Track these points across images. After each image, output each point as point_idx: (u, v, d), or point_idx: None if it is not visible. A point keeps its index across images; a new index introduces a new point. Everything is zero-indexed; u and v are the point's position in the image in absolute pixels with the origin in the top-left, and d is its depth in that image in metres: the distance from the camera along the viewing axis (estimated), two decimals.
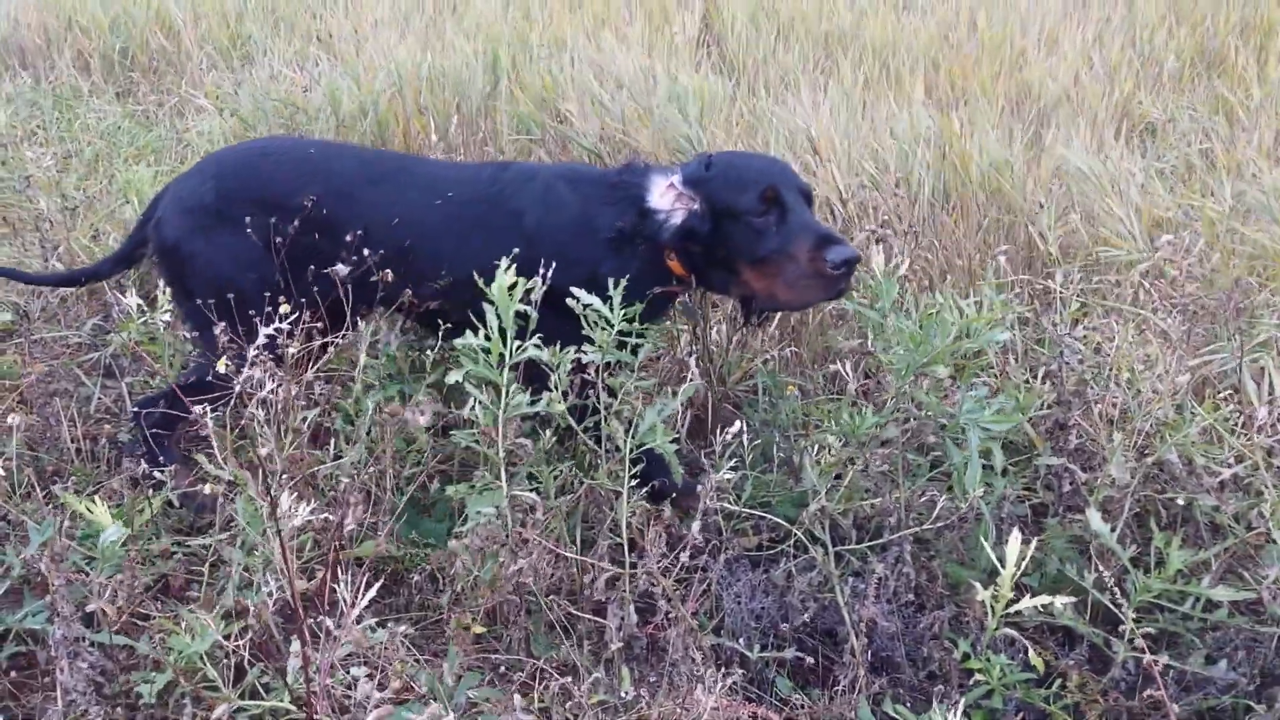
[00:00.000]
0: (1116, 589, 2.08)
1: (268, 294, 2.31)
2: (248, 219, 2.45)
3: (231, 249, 2.52)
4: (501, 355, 2.09)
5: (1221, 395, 2.72)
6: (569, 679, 1.90)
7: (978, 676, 1.97)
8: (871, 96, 4.52)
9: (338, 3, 6.63)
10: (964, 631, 2.10)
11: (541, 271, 2.16)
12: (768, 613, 2.18)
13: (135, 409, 2.60)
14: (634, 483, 2.15)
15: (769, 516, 2.29)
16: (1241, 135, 4.10)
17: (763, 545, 2.34)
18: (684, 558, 1.98)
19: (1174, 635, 2.10)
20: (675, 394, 2.21)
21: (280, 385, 2.23)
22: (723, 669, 1.88)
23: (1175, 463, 2.27)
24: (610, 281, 2.17)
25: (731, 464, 2.13)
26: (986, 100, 4.28)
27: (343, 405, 2.35)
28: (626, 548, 2.11)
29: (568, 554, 2.13)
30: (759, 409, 2.83)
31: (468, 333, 2.13)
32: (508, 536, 2.10)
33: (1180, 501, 2.26)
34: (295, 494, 2.13)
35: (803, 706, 1.94)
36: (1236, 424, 2.42)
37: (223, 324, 2.18)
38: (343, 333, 2.45)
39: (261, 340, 2.23)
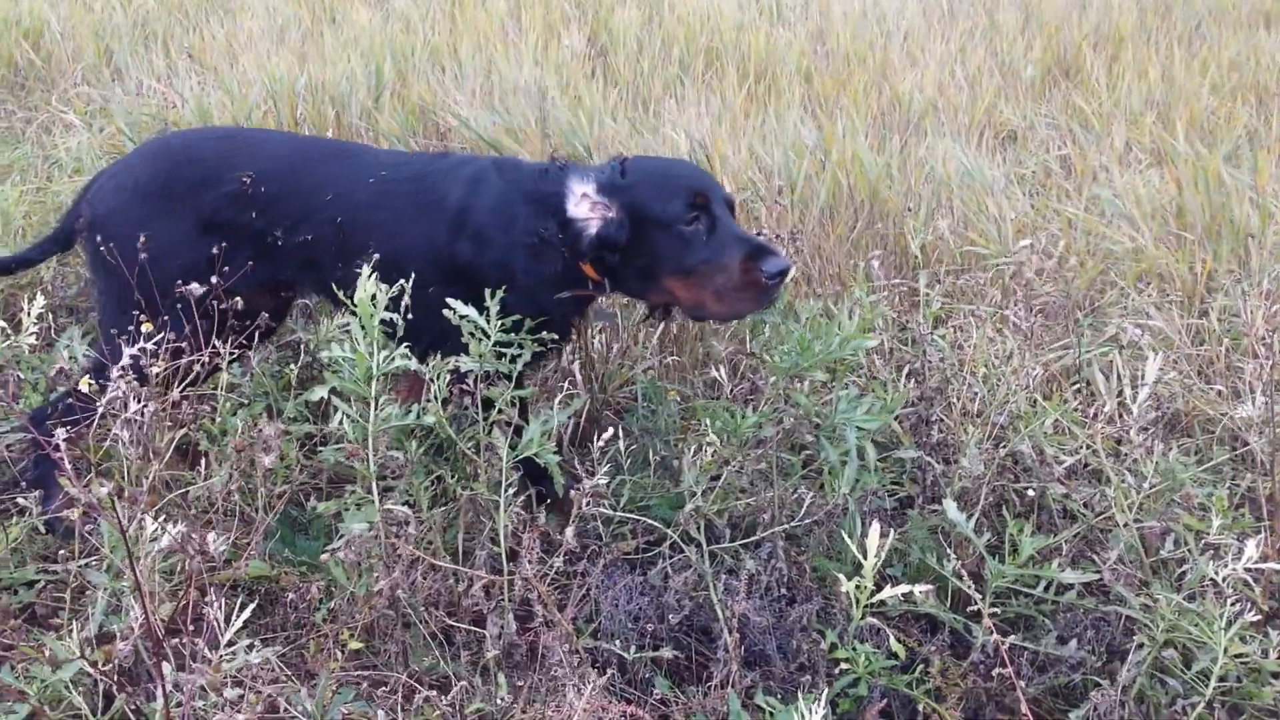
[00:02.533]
0: (974, 576, 2.19)
1: (194, 280, 2.29)
2: (180, 199, 2.46)
3: (162, 230, 2.46)
4: (369, 368, 2.09)
5: (1074, 389, 2.88)
6: (436, 690, 1.90)
7: (844, 665, 2.04)
8: (753, 107, 4.64)
9: (211, 17, 6.48)
10: (831, 623, 2.17)
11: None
12: (645, 614, 2.22)
13: (27, 423, 2.48)
14: (512, 491, 2.17)
15: (646, 520, 2.33)
16: (1094, 141, 4.32)
17: (640, 548, 2.38)
18: (559, 563, 1.99)
19: (1029, 618, 2.20)
20: (556, 403, 2.24)
21: (144, 405, 2.19)
22: (597, 671, 1.90)
23: (1028, 453, 2.39)
24: (519, 283, 2.27)
25: (607, 469, 2.16)
26: (856, 110, 4.42)
27: (207, 425, 2.31)
28: (505, 557, 2.13)
29: (442, 564, 2.12)
30: (638, 416, 2.87)
31: (334, 345, 2.13)
32: (382, 551, 2.10)
33: (1032, 491, 2.38)
34: (163, 516, 2.11)
35: (678, 704, 1.97)
36: (1086, 416, 2.55)
37: (133, 314, 2.26)
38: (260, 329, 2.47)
39: (126, 360, 2.20)
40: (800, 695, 1.84)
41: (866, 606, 2.10)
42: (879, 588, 1.94)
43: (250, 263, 2.47)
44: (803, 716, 1.61)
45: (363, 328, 2.09)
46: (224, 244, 2.41)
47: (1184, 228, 3.42)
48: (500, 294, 2.17)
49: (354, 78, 4.53)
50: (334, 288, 2.38)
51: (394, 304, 2.20)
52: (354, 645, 2.11)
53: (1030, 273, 2.97)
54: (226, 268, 2.39)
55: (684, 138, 4.07)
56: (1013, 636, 2.12)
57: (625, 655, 2.07)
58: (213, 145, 2.64)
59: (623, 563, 2.33)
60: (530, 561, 1.95)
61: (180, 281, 2.30)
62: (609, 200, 2.35)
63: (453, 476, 2.35)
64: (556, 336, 2.31)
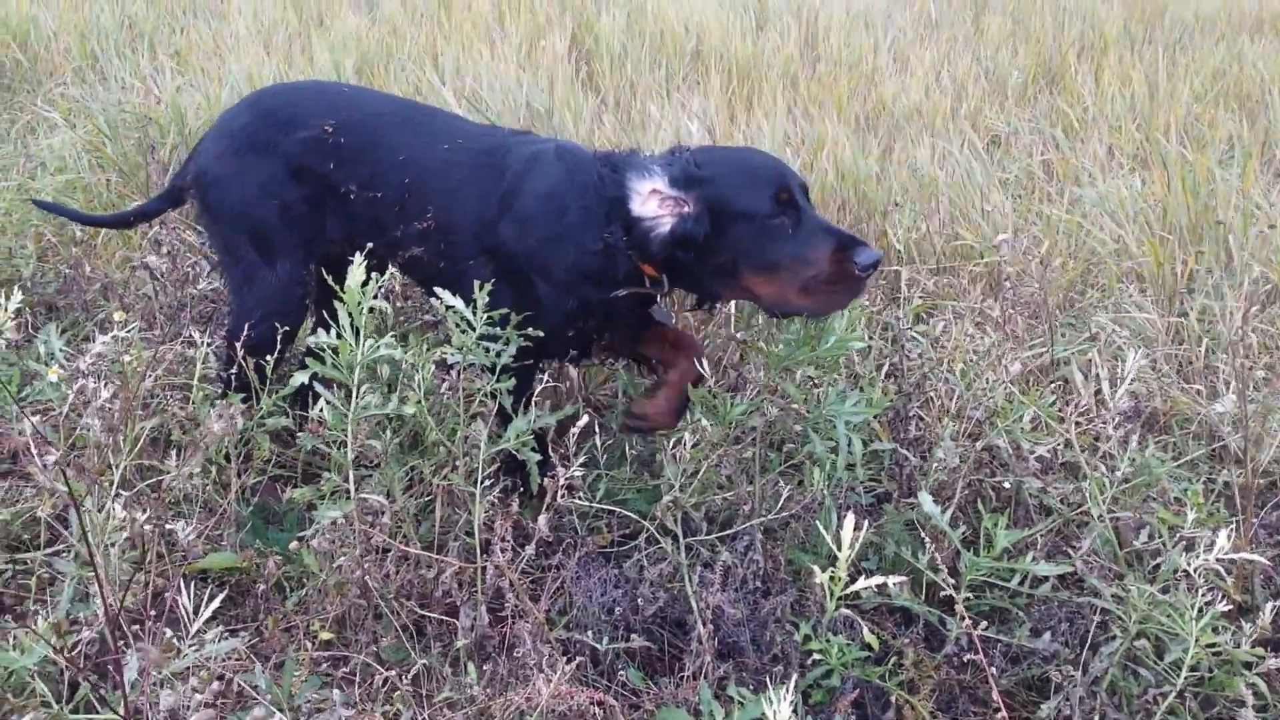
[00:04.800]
0: (949, 570, 2.18)
1: (291, 226, 2.48)
2: (270, 144, 2.51)
3: (258, 174, 2.52)
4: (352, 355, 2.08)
5: (1051, 385, 2.88)
6: (406, 680, 1.88)
7: (817, 656, 2.03)
8: (741, 111, 4.65)
9: (199, 19, 6.48)
10: (805, 615, 2.16)
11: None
12: (619, 606, 2.21)
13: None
14: (489, 483, 2.16)
15: (621, 512, 2.32)
16: (1078, 145, 4.34)
17: (615, 542, 2.37)
18: (531, 552, 1.98)
19: (1003, 611, 2.19)
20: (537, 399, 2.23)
21: (115, 395, 2.18)
22: (568, 660, 1.89)
23: (1004, 447, 2.39)
24: (556, 277, 2.29)
25: (582, 461, 2.15)
26: (842, 114, 4.44)
27: (180, 415, 2.29)
28: (479, 548, 2.11)
29: (414, 552, 2.11)
30: (618, 411, 2.86)
31: (319, 331, 2.11)
32: (355, 540, 2.08)
33: (1008, 485, 2.38)
34: (134, 505, 2.10)
35: (649, 694, 1.96)
36: (1064, 411, 2.55)
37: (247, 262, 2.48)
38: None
39: (98, 348, 2.20)
40: (771, 686, 1.83)
41: (840, 599, 2.09)
42: (853, 580, 1.94)
43: (330, 219, 2.53)
44: (772, 705, 1.60)
45: (350, 315, 2.08)
46: (309, 190, 2.50)
47: (1167, 229, 3.43)
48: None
49: (332, 78, 4.52)
50: (393, 249, 2.44)
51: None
52: (324, 635, 2.09)
53: (1011, 269, 2.97)
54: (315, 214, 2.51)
55: (671, 138, 4.08)
56: (986, 627, 2.12)
57: (598, 646, 2.06)
58: (303, 94, 2.69)
59: (598, 555, 2.32)
60: (502, 550, 1.93)
61: (278, 224, 2.46)
62: (684, 194, 2.21)
63: (430, 467, 2.33)
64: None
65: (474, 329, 2.19)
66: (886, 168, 3.93)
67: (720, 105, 4.57)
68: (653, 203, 2.22)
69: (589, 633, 2.08)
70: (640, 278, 2.32)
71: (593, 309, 2.37)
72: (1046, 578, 2.18)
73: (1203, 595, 1.91)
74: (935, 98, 4.92)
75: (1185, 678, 1.86)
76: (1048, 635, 2.07)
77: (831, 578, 2.04)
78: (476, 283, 2.13)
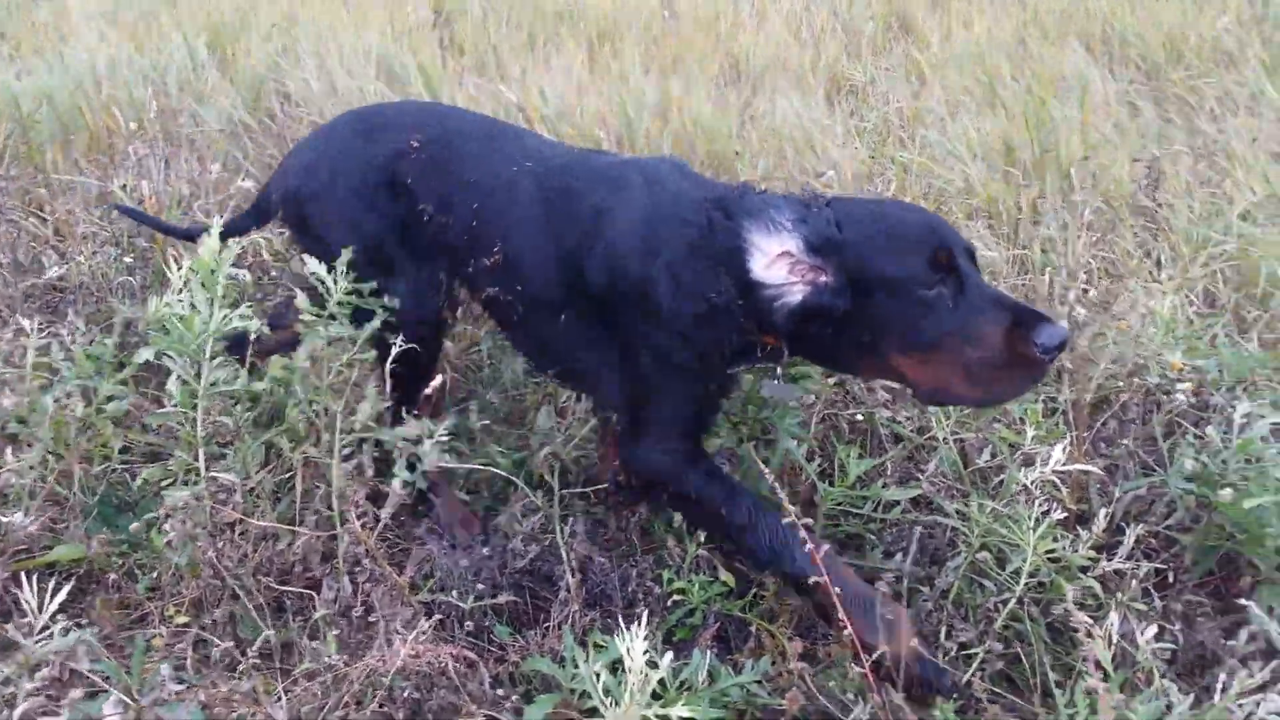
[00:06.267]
0: (806, 503, 2.24)
1: (395, 234, 2.25)
2: (363, 157, 2.30)
3: (354, 183, 2.31)
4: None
5: None
6: (263, 658, 1.86)
7: (679, 597, 2.07)
8: (601, 68, 4.64)
9: (38, 3, 6.17)
10: (669, 560, 2.19)
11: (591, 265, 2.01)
12: (488, 565, 2.21)
13: None
14: (347, 452, 2.13)
15: (491, 469, 2.32)
16: (926, 91, 4.45)
17: (488, 505, 2.38)
18: (387, 514, 1.97)
19: (858, 536, 2.27)
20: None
21: None
22: (431, 621, 1.89)
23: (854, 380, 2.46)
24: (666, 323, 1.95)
25: (448, 424, 2.13)
26: (700, 69, 4.46)
27: (17, 408, 2.20)
28: (339, 519, 2.09)
29: (259, 525, 2.07)
30: (483, 375, 2.86)
31: (167, 302, 2.01)
32: (206, 520, 2.04)
33: (860, 416, 2.45)
34: None
35: (515, 647, 1.97)
36: None
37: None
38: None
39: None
40: (625, 627, 1.85)
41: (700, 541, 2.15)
42: None
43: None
44: (626, 642, 1.63)
45: (203, 285, 2.02)
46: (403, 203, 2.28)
47: (1011, 164, 3.56)
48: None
49: (177, 53, 4.36)
50: (471, 287, 2.27)
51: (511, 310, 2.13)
52: (180, 619, 2.05)
53: None
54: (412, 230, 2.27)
55: (535, 99, 4.05)
56: (843, 553, 2.18)
57: (463, 605, 2.06)
58: (397, 110, 2.55)
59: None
60: (357, 516, 1.91)
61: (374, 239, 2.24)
62: (822, 261, 1.83)
63: (290, 442, 2.29)
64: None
65: (329, 298, 2.14)
66: (745, 121, 3.97)
67: (583, 64, 4.55)
68: (781, 267, 1.84)
69: (454, 593, 2.07)
70: (753, 349, 1.98)
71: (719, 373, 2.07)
72: (898, 502, 2.26)
73: (1040, 507, 2.00)
74: (794, 50, 4.98)
75: (1025, 585, 1.95)
76: (899, 555, 2.14)
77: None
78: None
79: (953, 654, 1.93)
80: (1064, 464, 2.03)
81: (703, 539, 2.14)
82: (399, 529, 2.36)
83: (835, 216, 1.85)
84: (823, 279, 1.83)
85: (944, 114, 4.13)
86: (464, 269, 2.24)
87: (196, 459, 2.08)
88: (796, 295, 1.83)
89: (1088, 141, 3.72)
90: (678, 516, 2.21)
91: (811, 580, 1.77)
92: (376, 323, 2.15)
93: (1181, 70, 4.73)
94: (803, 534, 1.78)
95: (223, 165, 3.63)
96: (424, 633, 1.73)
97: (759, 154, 3.70)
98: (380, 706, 1.77)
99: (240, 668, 1.82)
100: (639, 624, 1.62)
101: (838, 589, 1.74)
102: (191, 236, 2.76)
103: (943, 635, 1.96)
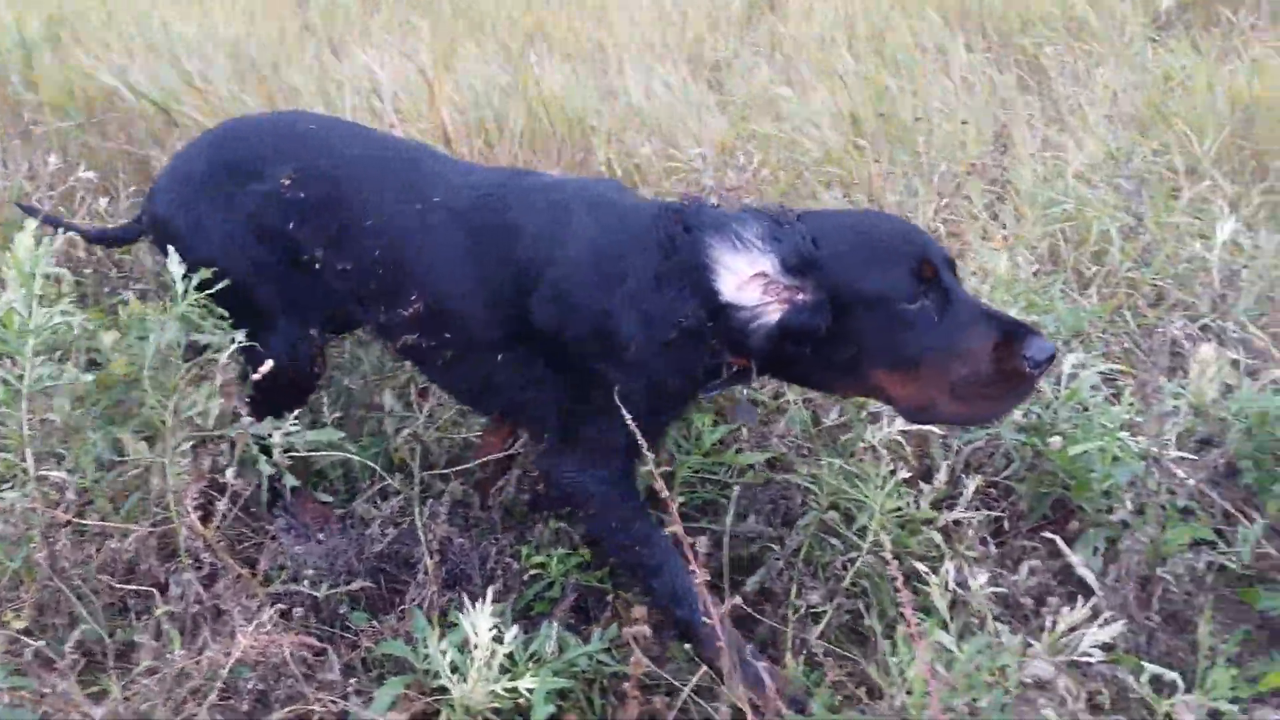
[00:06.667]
0: (665, 475, 2.26)
1: (269, 285, 2.08)
2: (233, 194, 2.10)
3: (220, 228, 2.12)
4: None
5: None
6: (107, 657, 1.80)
7: (538, 571, 2.08)
8: (462, 50, 4.58)
9: None
10: (528, 537, 2.20)
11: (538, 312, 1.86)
12: (345, 553, 2.18)
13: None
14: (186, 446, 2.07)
15: (345, 455, 2.29)
16: (789, 65, 4.53)
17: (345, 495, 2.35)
18: (223, 505, 1.92)
19: (714, 502, 2.30)
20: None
21: None
22: (279, 612, 1.85)
23: None
24: (628, 358, 1.83)
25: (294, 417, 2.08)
26: (565, 46, 4.45)
27: None
28: (175, 515, 2.03)
29: (92, 524, 2.00)
30: (342, 362, 2.80)
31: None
32: (39, 521, 1.96)
33: None
34: None
35: (369, 633, 1.95)
36: None
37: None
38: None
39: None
40: (471, 603, 1.84)
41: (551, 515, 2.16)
42: None
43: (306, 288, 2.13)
44: (469, 618, 1.63)
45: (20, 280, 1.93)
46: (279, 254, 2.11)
47: (860, 134, 3.64)
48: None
49: (15, 40, 4.15)
50: (386, 337, 2.11)
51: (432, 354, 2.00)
52: (17, 624, 1.96)
53: (710, 180, 3.06)
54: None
55: (386, 77, 3.99)
56: (700, 520, 2.22)
57: (316, 594, 2.03)
58: (262, 134, 2.22)
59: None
60: (190, 510, 1.86)
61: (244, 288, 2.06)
62: (799, 280, 1.74)
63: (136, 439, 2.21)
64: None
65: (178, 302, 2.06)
66: (608, 98, 3.97)
67: (439, 43, 4.49)
68: (755, 288, 1.74)
69: (305, 582, 2.04)
70: (719, 372, 1.88)
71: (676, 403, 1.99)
72: (752, 465, 2.30)
73: (887, 465, 2.07)
74: (660, 28, 5.00)
75: (872, 541, 2.01)
76: (752, 518, 2.19)
77: (530, 505, 2.11)
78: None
79: (802, 612, 1.98)
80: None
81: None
82: (253, 525, 2.30)
83: (811, 232, 1.76)
84: (800, 297, 1.74)
85: (804, 87, 4.21)
86: (368, 317, 2.12)
87: (24, 459, 1.99)
88: (773, 316, 1.74)
89: (927, 110, 3.84)
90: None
91: (702, 634, 1.77)
92: (225, 356, 2.04)
93: (1030, 38, 4.91)
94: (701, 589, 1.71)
95: (62, 157, 3.47)
96: (264, 623, 1.69)
97: (620, 131, 3.71)
98: (226, 699, 1.74)
99: (70, 667, 1.76)
100: (483, 600, 1.62)
101: (732, 654, 1.73)
102: (106, 240, 2.61)
103: (793, 594, 2.01)
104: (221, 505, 1.90)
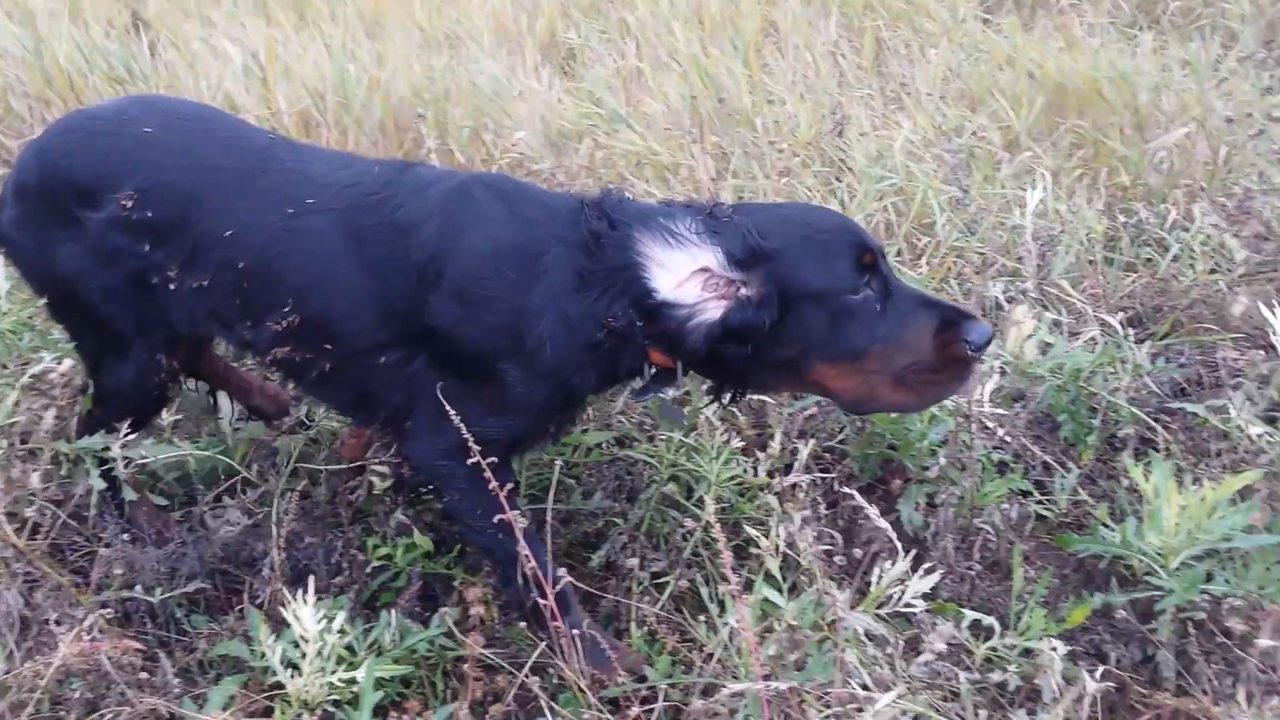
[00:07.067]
0: None
1: (118, 308, 1.94)
2: (71, 217, 1.91)
3: (63, 251, 1.95)
4: None
5: None
6: None
7: (383, 563, 2.08)
8: (306, 36, 4.49)
9: None
10: (375, 528, 2.19)
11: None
12: (186, 556, 2.13)
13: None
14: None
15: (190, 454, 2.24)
16: (640, 51, 4.58)
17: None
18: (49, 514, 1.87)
19: (562, 482, 2.33)
20: None
21: None
22: (100, 615, 1.81)
23: None
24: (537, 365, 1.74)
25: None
26: (415, 33, 4.41)
27: None
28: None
29: None
30: None
31: None
32: None
33: None
34: None
35: (205, 635, 1.92)
36: None
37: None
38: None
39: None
40: (310, 597, 1.82)
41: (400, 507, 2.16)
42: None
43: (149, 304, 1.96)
44: (291, 610, 1.63)
45: None
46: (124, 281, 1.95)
47: (699, 124, 3.72)
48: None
49: None
50: (252, 352, 1.97)
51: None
52: None
53: (542, 166, 3.07)
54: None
55: (237, 55, 3.90)
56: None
57: (151, 599, 1.98)
58: (94, 141, 1.97)
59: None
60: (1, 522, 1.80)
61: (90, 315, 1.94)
62: (745, 275, 1.69)
63: None
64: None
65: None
66: (454, 85, 3.95)
67: (283, 25, 4.40)
68: (694, 285, 1.68)
69: (138, 588, 1.99)
70: (639, 372, 1.84)
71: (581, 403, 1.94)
72: (599, 444, 2.34)
73: (722, 436, 2.13)
74: (511, 13, 4.99)
75: (711, 510, 2.07)
76: (597, 495, 2.23)
77: (391, 486, 2.11)
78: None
79: (646, 583, 2.03)
80: None
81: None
82: (86, 533, 2.23)
83: (757, 227, 1.71)
84: (744, 293, 1.68)
85: (647, 73, 4.26)
86: (232, 336, 1.99)
87: None
88: (714, 313, 1.68)
89: (760, 96, 3.94)
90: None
91: (545, 614, 1.75)
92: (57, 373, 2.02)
93: (879, 18, 5.05)
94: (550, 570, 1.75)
95: None
96: (87, 630, 1.65)
97: (463, 117, 3.70)
98: (54, 709, 1.69)
99: None
100: (305, 591, 1.61)
101: (574, 631, 1.77)
102: None
103: (637, 566, 2.05)
104: (30, 513, 1.84)
